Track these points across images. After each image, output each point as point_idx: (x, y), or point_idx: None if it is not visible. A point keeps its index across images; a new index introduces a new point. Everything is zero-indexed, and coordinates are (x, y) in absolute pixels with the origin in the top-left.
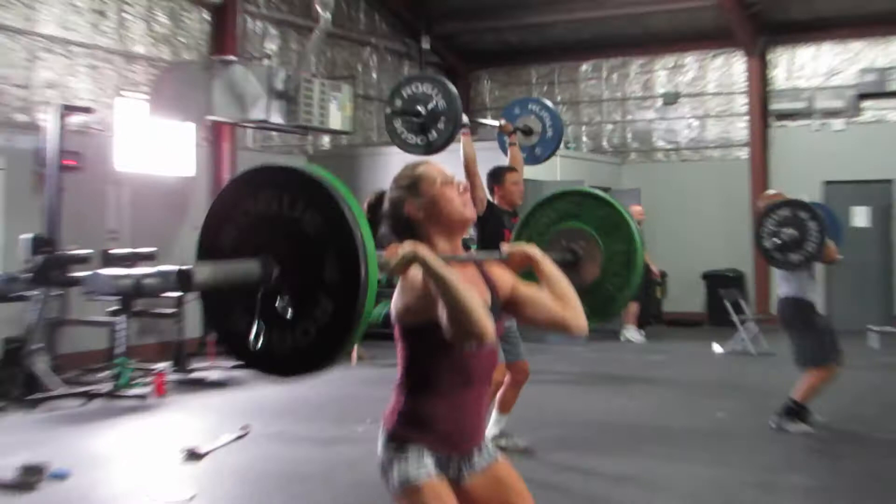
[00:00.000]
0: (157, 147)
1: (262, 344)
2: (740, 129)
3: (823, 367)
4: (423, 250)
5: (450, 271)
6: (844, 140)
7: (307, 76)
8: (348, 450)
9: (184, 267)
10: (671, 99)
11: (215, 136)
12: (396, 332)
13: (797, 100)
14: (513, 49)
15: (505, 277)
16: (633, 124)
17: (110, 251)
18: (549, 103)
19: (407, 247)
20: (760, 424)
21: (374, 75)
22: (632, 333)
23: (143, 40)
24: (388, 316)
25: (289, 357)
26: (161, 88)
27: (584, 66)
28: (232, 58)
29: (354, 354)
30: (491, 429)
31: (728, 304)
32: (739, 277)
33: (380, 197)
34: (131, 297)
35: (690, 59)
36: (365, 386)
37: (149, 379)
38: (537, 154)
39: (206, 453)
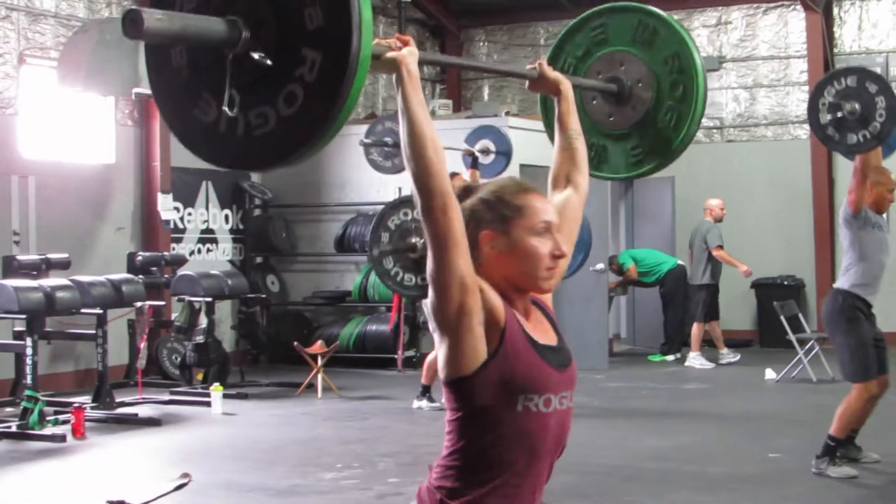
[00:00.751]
0: (70, 128)
1: (237, 116)
2: (799, 101)
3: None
4: (412, 65)
5: (420, 101)
6: None
7: None
8: (313, 503)
9: (133, 7)
10: (713, 64)
11: (143, 114)
12: (447, 397)
13: (869, 65)
14: (515, 1)
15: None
16: None
17: (14, 258)
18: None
19: (405, 52)
20: None
21: None
22: (696, 359)
23: None
24: (358, 338)
25: (275, 134)
26: (74, 54)
27: None
28: None
29: (319, 385)
30: None
31: (784, 321)
32: (798, 287)
33: (466, 192)
34: (41, 314)
35: (737, 15)
36: (332, 424)
37: (65, 416)
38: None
39: None
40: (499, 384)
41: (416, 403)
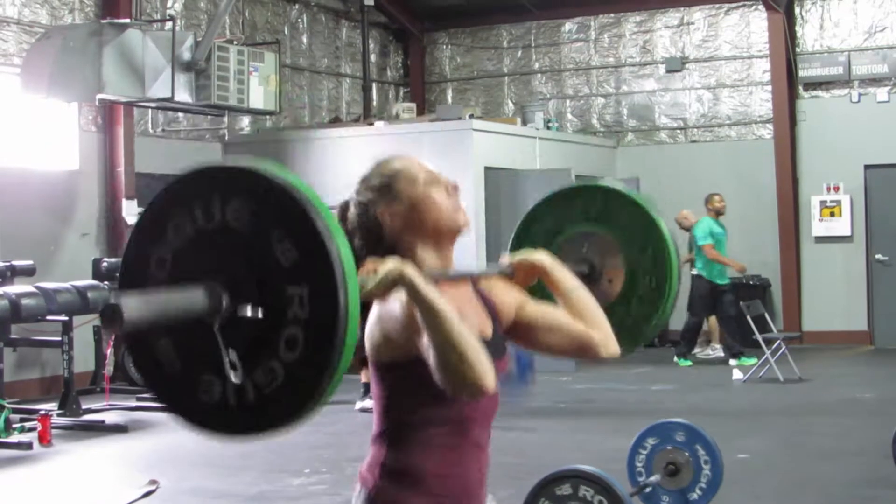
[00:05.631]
0: (33, 134)
1: (244, 382)
2: (762, 101)
3: None
4: (409, 270)
5: (443, 301)
6: (890, 113)
7: (221, 42)
8: None
9: (110, 301)
10: (676, 65)
11: (106, 120)
12: (372, 371)
13: (831, 64)
14: (478, 4)
15: (508, 297)
16: (629, 97)
17: None
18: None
19: (389, 264)
20: (792, 468)
21: (305, 40)
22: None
23: (13, 0)
24: None
25: (286, 386)
26: (37, 60)
27: (568, 25)
28: (126, 21)
29: None
30: None
31: (750, 320)
32: (764, 287)
33: (345, 208)
34: (7, 321)
35: (699, 15)
36: (301, 430)
37: (31, 423)
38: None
39: None
40: (430, 370)
41: (359, 404)
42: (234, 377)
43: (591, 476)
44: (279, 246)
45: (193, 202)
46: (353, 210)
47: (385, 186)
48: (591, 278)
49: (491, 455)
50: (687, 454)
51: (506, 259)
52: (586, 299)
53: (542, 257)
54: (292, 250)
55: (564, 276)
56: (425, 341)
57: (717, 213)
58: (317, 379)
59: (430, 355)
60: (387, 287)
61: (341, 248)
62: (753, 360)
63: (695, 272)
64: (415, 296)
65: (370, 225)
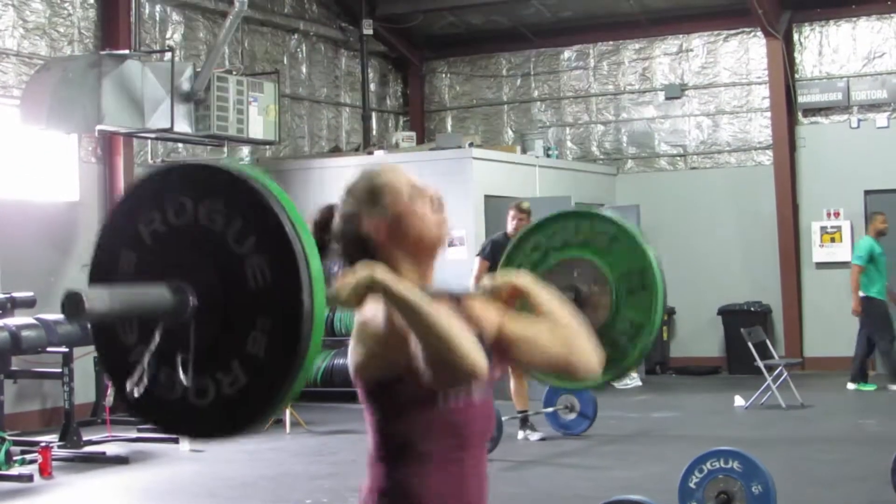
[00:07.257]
0: (33, 166)
1: (147, 391)
2: (761, 127)
3: None
4: (380, 272)
5: (419, 293)
6: (890, 139)
7: (220, 72)
8: None
9: (72, 290)
10: (675, 92)
11: (106, 151)
12: (360, 393)
13: (830, 90)
14: (477, 33)
15: (490, 315)
16: (628, 124)
17: None
18: None
19: (361, 271)
20: (794, 494)
21: (305, 69)
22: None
23: (12, 31)
24: (326, 372)
25: (211, 410)
26: (36, 92)
27: (567, 53)
28: (125, 52)
29: (287, 420)
30: None
31: (751, 347)
32: (765, 313)
33: (329, 213)
34: (7, 353)
35: (698, 42)
36: (302, 460)
37: (32, 455)
38: None
39: None
40: (418, 384)
41: (520, 434)
42: (184, 379)
43: None
44: (251, 259)
45: (165, 199)
46: (338, 219)
47: (371, 198)
48: (577, 304)
49: (495, 485)
50: (740, 483)
51: (488, 280)
52: (568, 317)
53: (523, 280)
54: (266, 271)
55: (545, 299)
56: (413, 342)
57: (879, 234)
58: (275, 388)
59: (418, 354)
60: (360, 294)
61: (312, 263)
62: None
63: (865, 295)
64: (390, 296)
65: (354, 235)
